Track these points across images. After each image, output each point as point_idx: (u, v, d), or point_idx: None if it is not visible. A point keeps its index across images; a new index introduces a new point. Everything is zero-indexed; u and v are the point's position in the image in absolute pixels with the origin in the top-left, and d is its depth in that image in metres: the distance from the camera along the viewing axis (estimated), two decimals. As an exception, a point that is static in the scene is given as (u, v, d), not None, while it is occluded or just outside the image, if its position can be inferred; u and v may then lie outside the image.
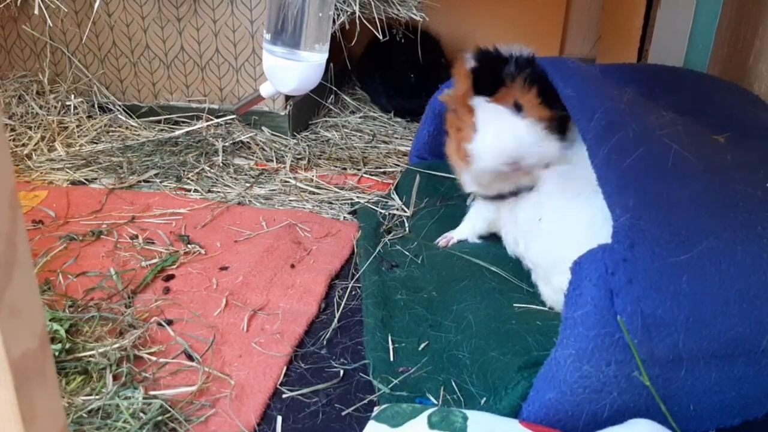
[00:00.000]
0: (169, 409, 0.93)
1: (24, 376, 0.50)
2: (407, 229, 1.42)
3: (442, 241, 1.33)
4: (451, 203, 1.46)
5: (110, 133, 1.92)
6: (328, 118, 2.10)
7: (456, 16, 2.59)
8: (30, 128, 1.87)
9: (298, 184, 1.65)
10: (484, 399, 0.92)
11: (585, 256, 0.86)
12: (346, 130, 2.03)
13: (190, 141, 1.87)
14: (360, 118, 2.14)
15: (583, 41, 2.65)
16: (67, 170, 1.70)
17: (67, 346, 1.02)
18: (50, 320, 1.07)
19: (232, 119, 1.96)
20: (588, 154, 0.95)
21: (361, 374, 1.04)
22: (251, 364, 1.04)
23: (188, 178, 1.67)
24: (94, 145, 1.85)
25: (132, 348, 1.04)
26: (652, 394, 0.84)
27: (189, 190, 1.62)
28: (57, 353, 1.00)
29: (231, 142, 1.86)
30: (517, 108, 1.07)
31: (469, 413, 0.84)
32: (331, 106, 2.16)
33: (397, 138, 2.00)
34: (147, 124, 1.98)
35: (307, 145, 1.89)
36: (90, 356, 1.01)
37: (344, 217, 1.53)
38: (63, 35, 1.98)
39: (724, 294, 0.84)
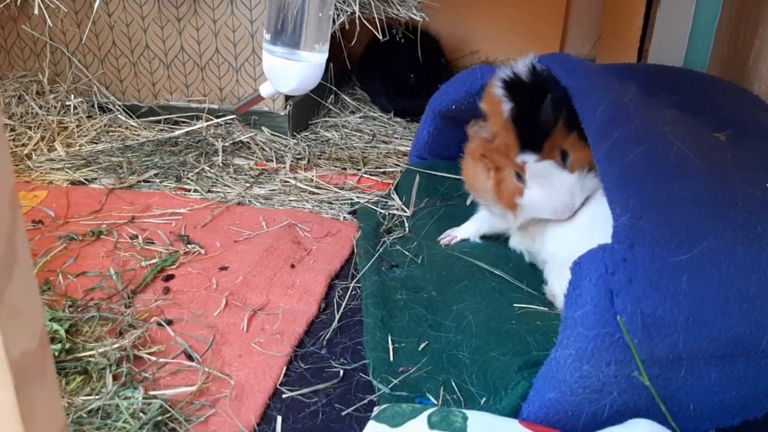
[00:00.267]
0: (169, 409, 0.93)
1: (24, 376, 0.50)
2: (407, 229, 1.42)
3: (445, 239, 1.33)
4: (451, 203, 1.46)
5: (110, 133, 1.92)
6: (328, 118, 2.10)
7: (456, 16, 2.59)
8: (30, 128, 1.87)
9: (298, 184, 1.65)
10: (484, 399, 0.92)
11: (585, 256, 0.86)
12: (346, 130, 2.03)
13: (190, 141, 1.87)
14: (360, 118, 2.14)
15: (583, 41, 2.65)
16: (67, 170, 1.70)
17: (67, 346, 1.02)
18: (50, 320, 1.07)
19: (232, 119, 1.96)
20: (590, 147, 0.95)
21: (361, 374, 1.04)
22: (251, 364, 1.04)
23: (188, 178, 1.67)
24: (94, 145, 1.85)
25: (132, 348, 1.04)
26: (652, 394, 0.84)
27: (189, 190, 1.62)
28: (57, 353, 1.00)
29: (231, 142, 1.86)
30: (563, 157, 1.07)
31: (469, 413, 0.84)
32: (331, 106, 2.16)
33: (397, 138, 2.00)
34: (147, 124, 1.98)
35: (307, 145, 1.89)
36: (90, 356, 1.01)
37: (344, 217, 1.53)
38: (63, 35, 1.98)
39: (724, 294, 0.84)
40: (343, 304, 1.21)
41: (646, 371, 0.83)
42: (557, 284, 1.07)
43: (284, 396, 0.99)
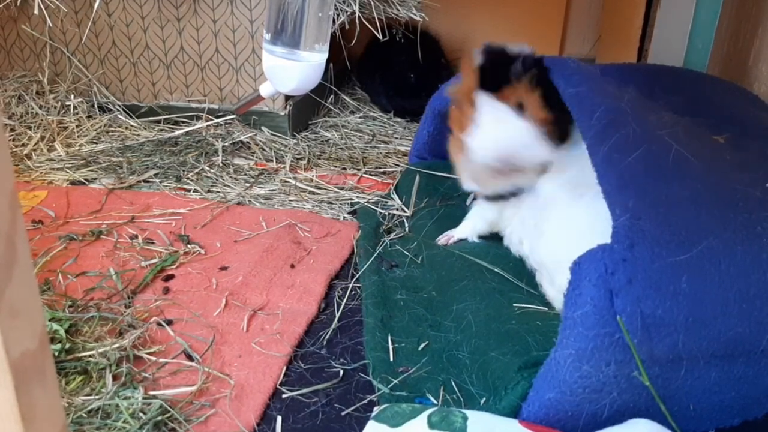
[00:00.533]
0: (169, 409, 0.93)
1: (24, 376, 0.50)
2: (407, 229, 1.42)
3: (442, 239, 1.33)
4: (451, 203, 1.46)
5: (110, 133, 1.92)
6: (327, 118, 2.10)
7: (456, 16, 2.59)
8: (30, 128, 1.87)
9: (298, 184, 1.65)
10: (484, 399, 0.92)
11: (584, 256, 0.86)
12: (345, 130, 2.03)
13: (190, 141, 1.87)
14: (360, 118, 2.14)
15: (583, 41, 2.65)
16: (67, 170, 1.70)
17: (67, 346, 1.02)
18: (50, 320, 1.07)
19: (231, 119, 1.96)
20: (588, 152, 0.95)
21: (360, 374, 1.04)
22: (251, 364, 1.04)
23: (188, 178, 1.67)
24: (94, 145, 1.85)
25: (132, 348, 1.04)
26: (651, 394, 0.84)
27: (189, 190, 1.62)
28: (57, 353, 1.00)
29: (231, 142, 1.86)
30: (520, 108, 1.07)
31: (469, 413, 0.84)
32: (330, 106, 2.16)
33: (396, 138, 2.00)
34: (147, 124, 1.98)
35: (307, 145, 1.89)
36: (90, 356, 1.01)
37: (344, 217, 1.53)
38: (63, 35, 1.98)
39: (724, 294, 0.84)
40: (343, 304, 1.21)
41: (646, 371, 0.83)
42: (551, 290, 1.08)
43: (284, 396, 0.99)
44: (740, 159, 1.01)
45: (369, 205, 1.52)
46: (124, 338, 1.05)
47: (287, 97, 1.90)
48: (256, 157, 1.80)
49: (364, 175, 1.73)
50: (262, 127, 1.93)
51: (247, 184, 1.66)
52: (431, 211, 1.43)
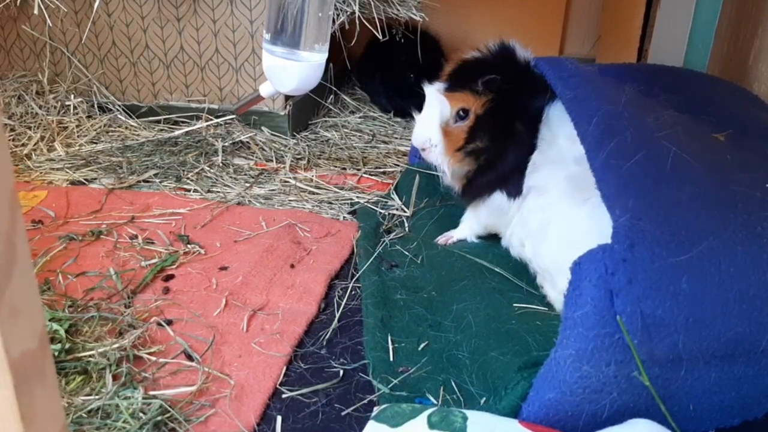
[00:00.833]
0: (169, 409, 0.93)
1: (24, 376, 0.50)
2: (407, 229, 1.42)
3: (441, 239, 1.33)
4: (450, 203, 1.46)
5: (110, 133, 1.92)
6: (327, 118, 2.10)
7: (456, 16, 2.59)
8: (29, 128, 1.86)
9: (298, 184, 1.65)
10: (484, 399, 0.92)
11: (585, 256, 0.86)
12: (345, 130, 2.03)
13: (190, 141, 1.87)
14: (360, 118, 2.14)
15: (583, 41, 2.65)
16: (67, 170, 1.70)
17: (67, 346, 1.02)
18: (50, 320, 1.07)
19: (231, 119, 1.96)
20: (586, 158, 0.95)
21: (360, 374, 1.04)
22: (251, 364, 1.04)
23: (188, 178, 1.67)
24: (94, 145, 1.85)
25: (132, 348, 1.04)
26: (651, 394, 0.84)
27: (189, 190, 1.62)
28: (57, 353, 1.00)
29: (231, 142, 1.86)
30: (463, 112, 1.18)
31: (469, 413, 0.84)
32: (330, 106, 2.16)
33: (396, 138, 2.00)
34: (147, 124, 1.98)
35: (307, 145, 1.89)
36: (90, 356, 1.01)
37: (344, 217, 1.53)
38: (63, 35, 1.98)
39: (724, 294, 0.84)
40: (343, 304, 1.21)
41: (646, 371, 0.83)
42: (552, 292, 1.08)
43: (284, 396, 0.99)
44: (740, 159, 1.01)
45: (369, 205, 1.52)
46: (124, 338, 1.05)
47: (287, 97, 1.90)
48: (256, 157, 1.80)
49: (364, 175, 1.73)
50: (262, 127, 1.93)
51: (247, 184, 1.66)
52: (431, 211, 1.43)
